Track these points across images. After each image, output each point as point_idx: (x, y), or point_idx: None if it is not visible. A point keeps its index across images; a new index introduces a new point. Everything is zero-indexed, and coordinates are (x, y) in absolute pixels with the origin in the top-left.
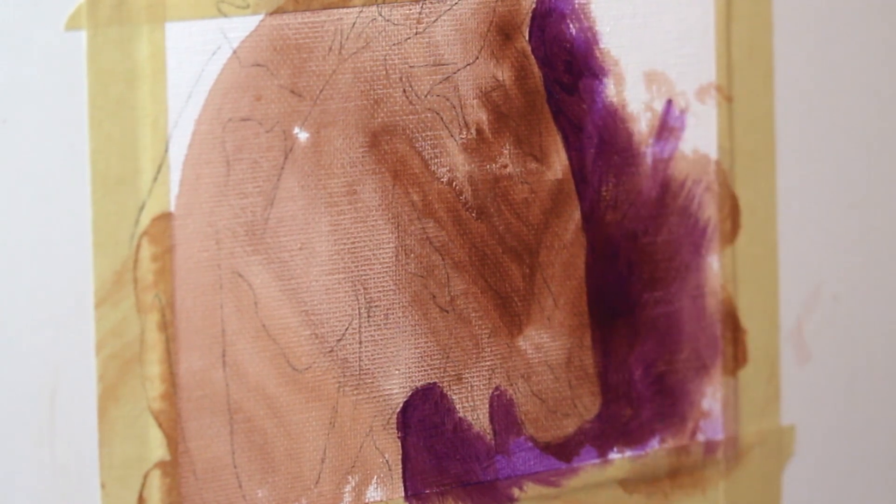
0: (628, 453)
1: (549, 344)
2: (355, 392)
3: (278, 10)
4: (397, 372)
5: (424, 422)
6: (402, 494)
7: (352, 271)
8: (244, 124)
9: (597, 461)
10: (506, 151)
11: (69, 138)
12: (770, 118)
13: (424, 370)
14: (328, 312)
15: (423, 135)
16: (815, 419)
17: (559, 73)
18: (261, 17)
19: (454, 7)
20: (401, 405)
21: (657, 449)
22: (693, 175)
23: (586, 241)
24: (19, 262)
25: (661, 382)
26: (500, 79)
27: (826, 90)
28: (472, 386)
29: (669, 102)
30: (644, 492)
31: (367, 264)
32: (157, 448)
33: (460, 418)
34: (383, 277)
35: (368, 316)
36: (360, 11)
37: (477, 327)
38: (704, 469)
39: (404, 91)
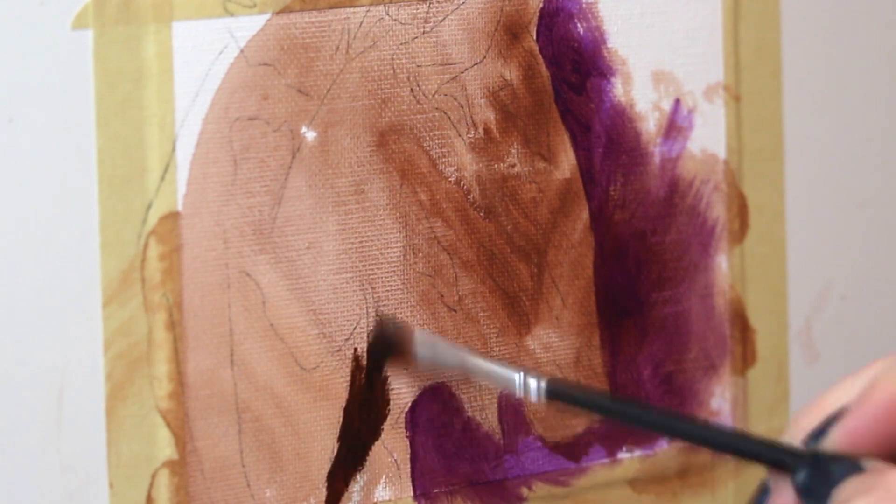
0: (637, 453)
1: (557, 343)
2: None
3: (285, 10)
4: (405, 371)
5: (433, 421)
6: (411, 494)
7: (359, 270)
8: (251, 123)
9: (606, 461)
10: (514, 151)
11: (76, 138)
12: (778, 117)
13: None
14: (336, 311)
15: (431, 134)
16: None
17: (567, 73)
18: (268, 16)
19: (461, 6)
20: (409, 404)
21: (666, 449)
22: (701, 175)
23: (594, 240)
24: (26, 262)
25: (670, 382)
26: (508, 78)
27: (834, 89)
28: (480, 385)
29: (677, 102)
30: (653, 491)
31: (375, 263)
32: (165, 447)
33: (469, 418)
34: (391, 277)
35: (376, 315)
36: (368, 11)
37: (485, 327)
38: (714, 469)
39: (412, 90)
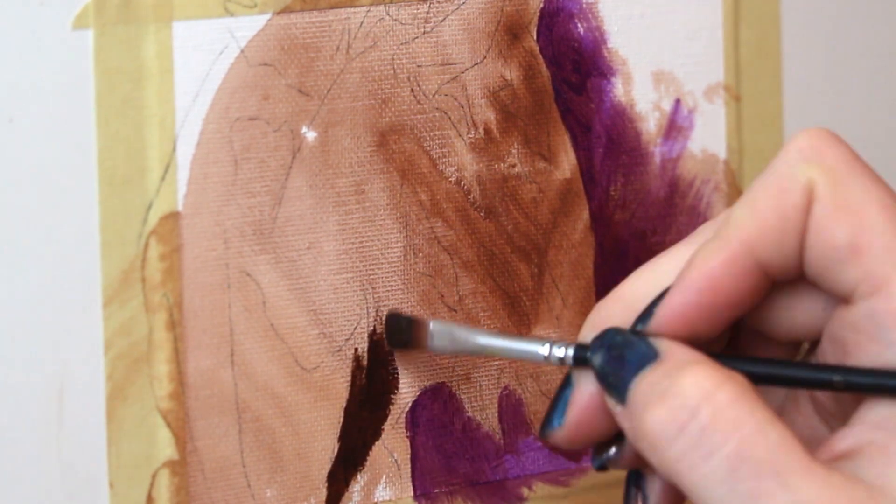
0: None
1: None
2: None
3: (286, 10)
4: (406, 371)
5: (433, 421)
6: (411, 494)
7: (360, 271)
8: (252, 123)
9: None
10: (514, 151)
11: (76, 137)
12: (778, 117)
13: (433, 369)
14: (336, 312)
15: (431, 134)
16: None
17: (567, 73)
18: (268, 16)
19: (462, 6)
20: (409, 405)
21: None
22: (701, 175)
23: (595, 240)
24: (27, 262)
25: None
26: (508, 78)
27: (834, 89)
28: (480, 385)
29: (678, 102)
30: None
31: (376, 264)
32: (166, 447)
33: (469, 418)
34: (391, 277)
35: (377, 315)
36: (368, 11)
37: (485, 327)
38: None
39: (412, 90)
